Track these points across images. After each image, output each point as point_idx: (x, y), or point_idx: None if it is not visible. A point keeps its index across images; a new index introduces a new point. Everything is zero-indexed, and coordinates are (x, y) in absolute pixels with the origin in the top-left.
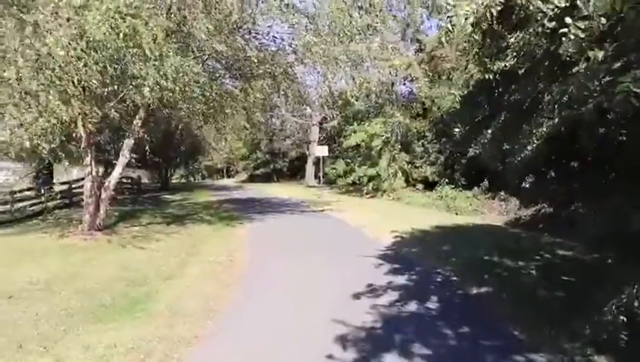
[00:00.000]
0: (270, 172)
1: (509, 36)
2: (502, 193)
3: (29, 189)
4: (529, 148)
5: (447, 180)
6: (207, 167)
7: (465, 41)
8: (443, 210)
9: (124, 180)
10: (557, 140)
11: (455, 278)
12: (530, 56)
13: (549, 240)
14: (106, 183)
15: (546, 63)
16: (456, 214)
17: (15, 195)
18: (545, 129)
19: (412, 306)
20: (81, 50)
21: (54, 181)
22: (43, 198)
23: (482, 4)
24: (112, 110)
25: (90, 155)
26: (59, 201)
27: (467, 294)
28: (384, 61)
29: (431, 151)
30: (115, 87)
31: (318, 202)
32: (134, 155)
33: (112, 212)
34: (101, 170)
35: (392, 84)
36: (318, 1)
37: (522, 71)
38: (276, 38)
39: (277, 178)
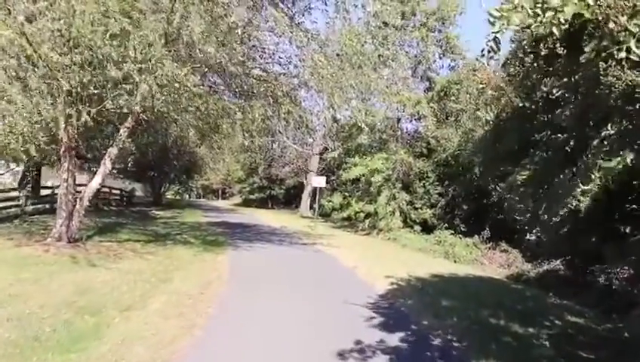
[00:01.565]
0: (265, 198)
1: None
2: (503, 244)
3: (10, 190)
4: (572, 202)
5: (446, 225)
6: (204, 186)
7: (506, 63)
8: (441, 255)
9: (114, 191)
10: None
11: (457, 344)
12: (591, 82)
13: (556, 302)
14: (82, 193)
15: (610, 93)
16: (455, 262)
17: None
18: (598, 176)
19: None
20: (65, 46)
21: (42, 185)
22: (20, 201)
23: (543, 20)
24: (99, 115)
25: (68, 161)
26: (39, 206)
27: None
28: (392, 95)
29: (432, 192)
30: (102, 90)
31: (311, 234)
32: (132, 167)
33: (92, 223)
34: (97, 179)
35: (399, 120)
36: (329, 26)
37: (573, 99)
38: (282, 58)
39: (272, 204)
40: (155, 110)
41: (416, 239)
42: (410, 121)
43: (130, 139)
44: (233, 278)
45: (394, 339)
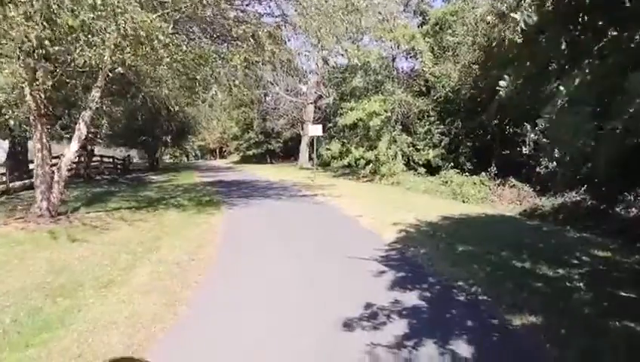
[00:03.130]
0: (263, 153)
1: None
2: (512, 179)
3: None
4: None
5: (451, 164)
6: (201, 147)
7: None
8: (448, 196)
9: (105, 160)
10: None
11: (484, 297)
12: None
13: (576, 235)
14: (59, 163)
15: None
16: (464, 202)
17: None
18: None
19: (430, 349)
20: None
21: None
22: (5, 178)
23: None
24: (65, 76)
25: (40, 130)
26: (26, 182)
27: (508, 328)
28: (385, 32)
29: (434, 132)
30: (63, 45)
31: (311, 186)
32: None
33: (81, 194)
34: (74, 145)
35: (394, 58)
36: None
37: None
38: None
39: (270, 159)
40: (126, 64)
41: (421, 181)
42: (406, 58)
43: (108, 101)
44: (226, 240)
45: (410, 298)
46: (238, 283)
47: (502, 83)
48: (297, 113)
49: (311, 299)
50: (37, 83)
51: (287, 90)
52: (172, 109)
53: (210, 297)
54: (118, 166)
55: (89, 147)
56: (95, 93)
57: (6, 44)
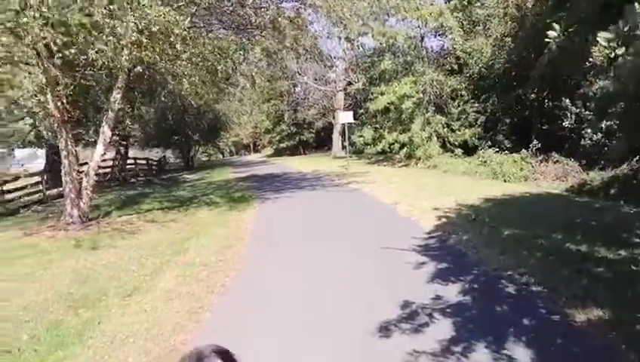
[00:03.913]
0: (296, 144)
1: None
2: (555, 155)
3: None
4: None
5: (489, 143)
6: (235, 143)
7: None
8: (488, 177)
9: (139, 161)
10: None
11: (538, 288)
12: None
13: (632, 210)
14: (86, 169)
15: None
16: (505, 181)
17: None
18: None
19: (482, 355)
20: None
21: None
22: (41, 186)
23: None
24: (84, 79)
25: (64, 136)
26: (61, 189)
27: (571, 326)
28: (411, 10)
29: (469, 111)
30: (81, 46)
31: (344, 174)
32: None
33: (115, 198)
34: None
35: (422, 38)
36: None
37: None
38: None
39: (303, 150)
40: (144, 62)
41: (459, 163)
42: (435, 36)
43: (138, 102)
44: (256, 237)
45: (453, 292)
46: (266, 283)
47: (551, 33)
48: (327, 102)
49: (346, 300)
50: (58, 89)
51: (316, 80)
52: (201, 107)
53: (235, 301)
54: (153, 167)
55: (122, 150)
56: (116, 95)
57: (24, 50)
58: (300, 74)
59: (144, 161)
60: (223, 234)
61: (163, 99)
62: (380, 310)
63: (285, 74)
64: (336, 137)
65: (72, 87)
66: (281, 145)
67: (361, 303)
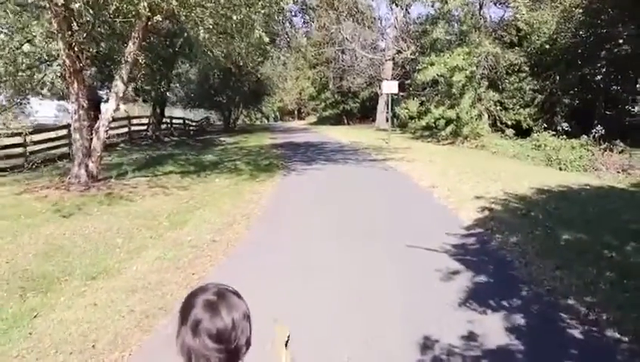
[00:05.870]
0: (340, 113)
1: None
2: (619, 143)
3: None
4: None
5: (545, 125)
6: (280, 108)
7: None
8: (542, 162)
9: (175, 121)
10: None
11: (614, 334)
12: None
13: None
14: (96, 125)
15: None
16: (561, 170)
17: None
18: None
19: None
20: None
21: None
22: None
23: None
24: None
25: (76, 88)
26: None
27: None
28: None
29: (526, 89)
30: None
31: (383, 149)
32: (194, 95)
33: (141, 157)
34: (111, 103)
35: (481, 5)
36: None
37: None
38: None
39: (347, 120)
40: (164, 9)
41: (509, 145)
42: (495, 4)
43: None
44: (266, 214)
45: (493, 328)
46: (253, 280)
47: None
48: (375, 71)
49: (344, 333)
50: (69, 34)
51: (364, 47)
52: (242, 69)
53: None
54: (191, 127)
55: (157, 108)
56: (132, 45)
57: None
58: (348, 40)
59: (180, 121)
60: (230, 209)
61: (206, 59)
62: (393, 346)
63: (332, 39)
64: (381, 108)
65: (84, 34)
66: (325, 113)
67: (359, 339)
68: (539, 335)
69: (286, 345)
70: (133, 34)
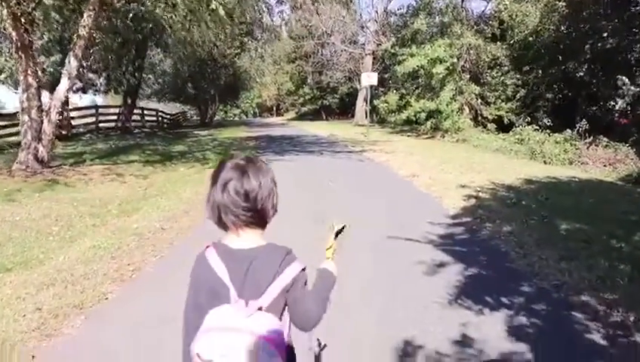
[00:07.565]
0: (318, 109)
1: None
2: (603, 139)
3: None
4: None
5: (528, 119)
6: (258, 104)
7: None
8: (526, 156)
9: (147, 113)
10: None
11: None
12: None
13: None
14: (46, 107)
15: None
16: (545, 163)
17: None
18: None
19: None
20: None
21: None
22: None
23: None
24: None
25: (24, 65)
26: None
27: None
28: None
29: (508, 83)
30: None
31: (362, 142)
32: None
33: (107, 146)
34: (64, 82)
35: None
36: None
37: None
38: None
39: (326, 116)
40: None
41: (492, 139)
42: None
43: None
44: None
45: (495, 331)
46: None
47: None
48: (354, 65)
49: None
50: (15, 2)
51: (344, 41)
52: (217, 60)
53: (139, 305)
54: (164, 120)
55: (129, 99)
56: (87, 17)
57: None
58: (327, 34)
59: (153, 113)
60: (190, 196)
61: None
62: None
63: (311, 33)
64: (360, 103)
65: (32, 3)
66: (303, 108)
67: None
68: (551, 342)
69: (336, 236)
70: (88, 5)
